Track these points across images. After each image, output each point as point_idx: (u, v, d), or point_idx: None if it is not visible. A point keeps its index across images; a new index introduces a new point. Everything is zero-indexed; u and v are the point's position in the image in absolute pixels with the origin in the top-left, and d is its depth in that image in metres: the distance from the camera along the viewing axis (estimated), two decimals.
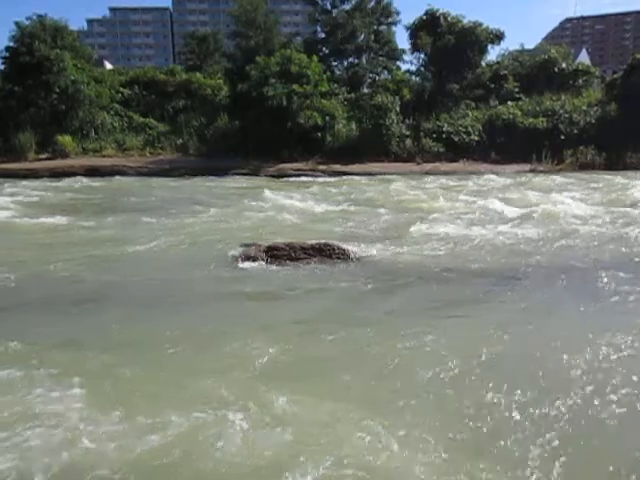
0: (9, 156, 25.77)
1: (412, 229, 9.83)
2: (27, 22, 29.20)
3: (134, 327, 5.39)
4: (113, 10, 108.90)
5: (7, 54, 28.62)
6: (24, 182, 18.99)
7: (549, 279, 6.95)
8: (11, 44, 28.61)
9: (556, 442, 3.35)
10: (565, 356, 4.50)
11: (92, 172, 23.27)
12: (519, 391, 3.93)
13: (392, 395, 3.95)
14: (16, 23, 28.86)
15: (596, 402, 3.83)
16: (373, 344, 4.87)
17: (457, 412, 3.70)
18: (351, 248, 8.16)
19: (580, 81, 33.10)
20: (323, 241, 8.34)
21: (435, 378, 4.19)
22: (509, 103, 29.79)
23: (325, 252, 7.97)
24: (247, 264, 7.60)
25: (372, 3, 34.64)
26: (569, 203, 13.13)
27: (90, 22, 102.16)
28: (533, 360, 4.49)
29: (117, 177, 22.36)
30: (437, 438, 3.38)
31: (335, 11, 34.94)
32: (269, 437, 3.37)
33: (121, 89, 32.76)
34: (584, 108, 28.64)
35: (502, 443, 3.36)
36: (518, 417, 3.63)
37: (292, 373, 4.33)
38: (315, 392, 3.95)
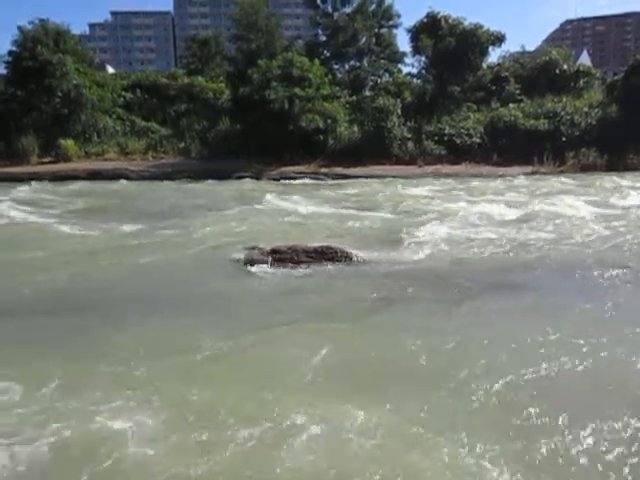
0: (12, 160, 25.86)
1: (414, 231, 9.84)
2: (30, 26, 29.35)
3: (153, 334, 5.35)
4: (115, 14, 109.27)
5: (10, 58, 28.76)
6: (27, 186, 19.02)
7: (555, 282, 6.98)
8: (14, 48, 28.76)
9: None
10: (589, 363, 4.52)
11: (95, 176, 23.35)
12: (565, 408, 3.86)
13: (437, 406, 3.88)
14: (19, 27, 29.05)
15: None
16: (388, 349, 4.86)
17: (518, 428, 3.62)
18: (354, 251, 8.18)
19: (581, 82, 33.09)
20: (325, 244, 8.37)
21: (468, 389, 4.09)
22: (510, 105, 29.80)
23: (328, 255, 7.99)
24: (250, 267, 7.63)
25: (373, 6, 34.74)
26: (571, 205, 13.18)
27: (92, 26, 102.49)
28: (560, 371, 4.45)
29: (120, 181, 22.41)
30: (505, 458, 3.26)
31: (336, 14, 35.03)
32: (337, 450, 3.35)
33: (123, 93, 32.84)
34: (585, 110, 28.65)
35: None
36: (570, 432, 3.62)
37: (326, 382, 4.27)
38: (358, 401, 3.87)
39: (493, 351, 4.73)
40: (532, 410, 3.73)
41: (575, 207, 12.83)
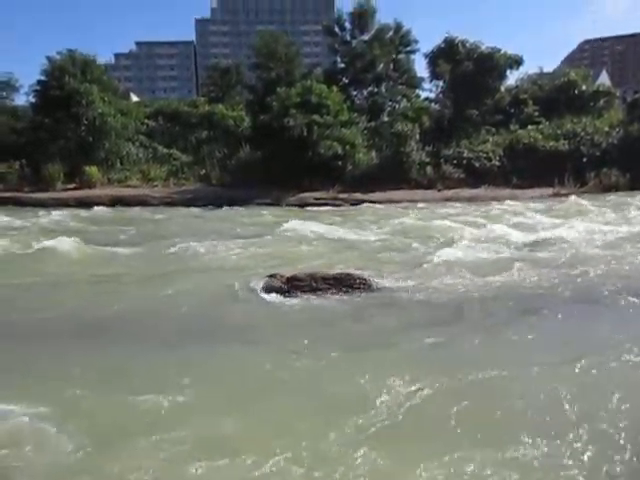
0: (38, 185, 26.54)
1: (434, 257, 9.80)
2: (58, 57, 30.35)
3: (176, 362, 5.38)
4: (139, 44, 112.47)
5: (39, 87, 29.73)
6: (53, 212, 19.46)
7: (579, 308, 6.88)
8: (42, 78, 29.74)
9: None
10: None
11: (117, 202, 23.76)
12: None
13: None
14: (47, 58, 30.07)
15: None
16: (416, 380, 4.74)
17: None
18: (373, 278, 8.17)
19: (601, 102, 32.90)
20: (344, 271, 8.39)
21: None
22: (529, 127, 29.68)
23: (346, 282, 7.99)
24: (269, 295, 7.67)
25: (391, 33, 35.12)
26: (593, 227, 13.01)
27: (117, 56, 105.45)
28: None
29: (141, 207, 22.78)
30: None
31: (354, 42, 35.52)
32: None
33: (146, 121, 33.64)
34: (606, 129, 28.42)
35: None
36: None
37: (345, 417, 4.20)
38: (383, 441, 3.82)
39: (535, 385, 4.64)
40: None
41: (598, 229, 12.66)
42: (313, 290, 7.80)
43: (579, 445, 3.67)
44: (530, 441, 3.73)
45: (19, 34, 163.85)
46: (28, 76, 37.32)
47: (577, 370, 4.87)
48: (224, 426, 4.02)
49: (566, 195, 23.40)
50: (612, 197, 21.68)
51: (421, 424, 4.06)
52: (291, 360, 5.31)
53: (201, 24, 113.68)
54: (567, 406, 4.22)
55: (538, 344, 5.73)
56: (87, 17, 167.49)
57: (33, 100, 30.65)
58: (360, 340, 6.00)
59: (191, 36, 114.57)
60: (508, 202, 20.89)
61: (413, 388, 4.57)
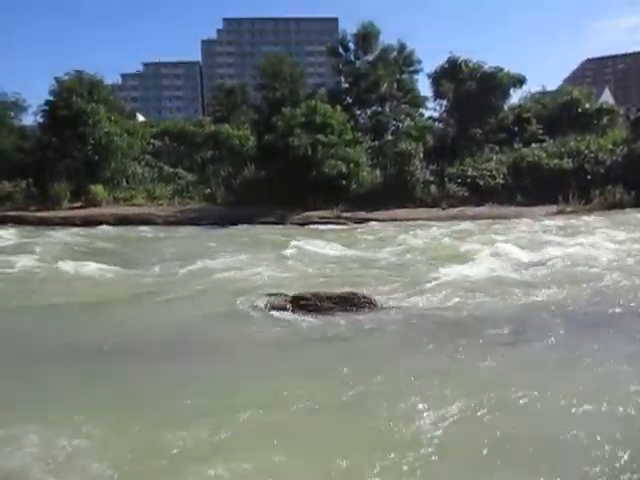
0: (44, 204, 26.71)
1: (439, 275, 9.76)
2: (66, 77, 30.76)
3: (170, 383, 5.36)
4: (146, 65, 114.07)
5: (46, 107, 30.09)
6: (58, 230, 19.58)
7: (585, 328, 6.80)
8: (50, 98, 30.13)
9: None
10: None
11: (122, 221, 23.84)
12: None
13: None
14: (56, 78, 30.48)
15: None
16: (422, 401, 4.68)
17: None
18: (377, 297, 8.14)
19: (604, 120, 32.99)
20: (349, 290, 8.36)
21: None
22: (533, 145, 29.76)
23: (351, 302, 7.96)
24: (274, 314, 7.64)
25: (394, 53, 35.50)
26: (600, 244, 12.96)
27: (124, 76, 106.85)
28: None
29: (146, 226, 22.86)
30: None
31: (358, 62, 35.89)
32: None
33: (152, 140, 33.92)
34: (610, 147, 28.45)
35: None
36: None
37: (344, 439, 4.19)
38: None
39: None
40: None
41: (605, 247, 12.60)
42: (318, 309, 7.77)
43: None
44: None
45: (27, 54, 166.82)
46: (36, 96, 37.95)
47: (592, 391, 4.81)
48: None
49: (571, 213, 23.38)
50: (617, 215, 21.61)
51: (446, 449, 3.95)
52: (300, 381, 5.25)
53: (207, 45, 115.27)
54: (597, 428, 4.13)
55: (555, 364, 5.64)
56: (95, 38, 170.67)
57: (41, 120, 31.06)
58: (371, 360, 5.93)
59: (197, 57, 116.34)
60: (513, 220, 20.87)
61: (429, 411, 4.49)
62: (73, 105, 28.77)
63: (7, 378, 5.41)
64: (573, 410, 4.44)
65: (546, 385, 4.95)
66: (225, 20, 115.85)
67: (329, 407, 4.65)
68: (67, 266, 11.61)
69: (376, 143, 31.78)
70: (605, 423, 4.24)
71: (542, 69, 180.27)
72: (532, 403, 4.63)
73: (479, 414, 4.42)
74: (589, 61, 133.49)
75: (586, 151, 28.00)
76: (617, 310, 7.48)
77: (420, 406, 4.56)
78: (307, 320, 7.43)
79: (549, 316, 7.32)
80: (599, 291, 8.53)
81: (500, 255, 11.88)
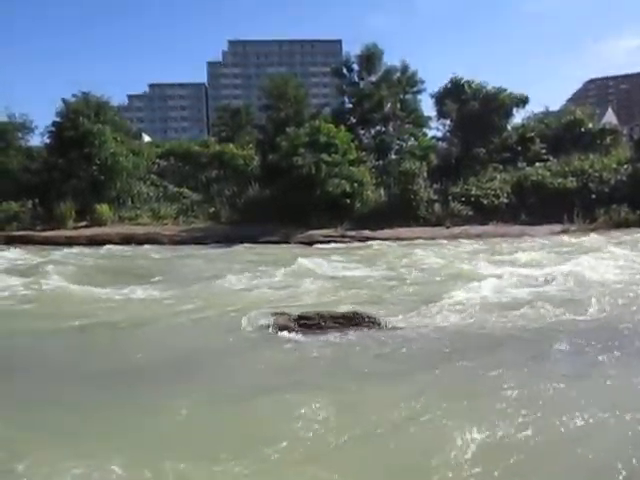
0: (50, 224, 26.87)
1: (444, 294, 9.71)
2: (73, 99, 31.19)
3: (188, 403, 5.26)
4: (152, 86, 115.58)
5: (53, 128, 30.45)
6: (64, 250, 19.63)
7: (591, 348, 6.72)
8: (57, 119, 30.49)
9: None
10: None
11: (127, 240, 23.92)
12: None
13: None
14: (63, 100, 30.94)
15: None
16: (426, 424, 4.63)
17: None
18: (382, 316, 8.11)
19: (608, 140, 33.10)
20: (353, 309, 8.33)
21: None
22: (537, 164, 29.85)
23: (355, 321, 7.92)
24: (278, 334, 7.60)
25: (398, 74, 35.84)
26: (606, 263, 12.90)
27: (130, 98, 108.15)
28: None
29: (151, 245, 22.92)
30: None
31: (362, 83, 36.25)
32: None
33: (157, 160, 34.22)
34: (614, 166, 28.50)
35: None
36: None
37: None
38: None
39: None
40: None
41: (611, 266, 12.54)
42: (321, 328, 7.73)
43: None
44: None
45: (35, 76, 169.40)
46: (44, 117, 38.42)
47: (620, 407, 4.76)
48: None
49: (576, 232, 23.32)
50: (622, 234, 21.53)
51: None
52: (310, 402, 5.16)
53: (213, 67, 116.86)
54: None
55: (572, 383, 5.53)
56: (102, 61, 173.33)
57: (47, 141, 31.42)
58: (378, 381, 5.84)
59: (203, 78, 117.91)
60: (518, 239, 20.83)
61: (441, 434, 4.43)
62: (79, 126, 29.12)
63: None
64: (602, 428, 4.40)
65: (565, 404, 4.89)
66: (230, 42, 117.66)
67: (339, 430, 4.58)
68: (72, 287, 11.63)
69: (380, 162, 31.95)
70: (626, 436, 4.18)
71: (545, 90, 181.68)
72: (554, 423, 4.57)
73: (504, 436, 4.34)
74: (592, 81, 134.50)
75: (590, 170, 28.06)
76: (627, 330, 7.39)
77: (434, 429, 4.51)
78: (311, 340, 7.38)
79: (557, 334, 7.25)
80: (609, 309, 8.46)
81: (504, 274, 11.81)
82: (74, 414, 5.06)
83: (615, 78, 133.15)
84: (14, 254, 18.23)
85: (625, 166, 28.39)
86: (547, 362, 6.28)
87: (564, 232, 23.62)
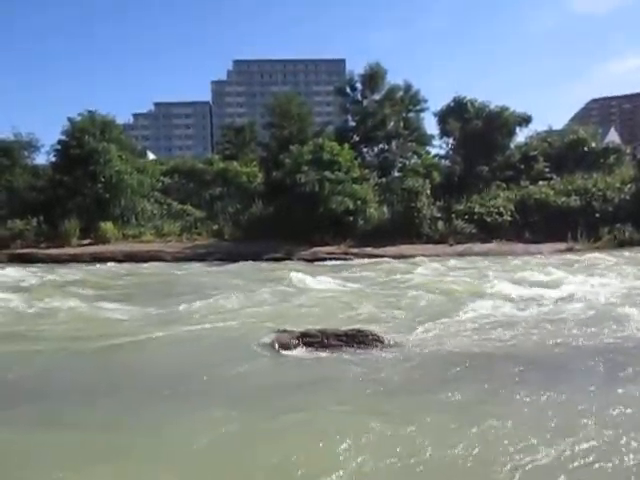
0: (54, 241, 26.96)
1: (447, 313, 9.64)
2: (79, 118, 31.49)
3: (176, 423, 5.23)
4: (157, 105, 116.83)
5: (59, 147, 30.71)
6: (66, 268, 19.64)
7: (599, 367, 6.63)
8: (63, 138, 30.77)
9: None
10: None
11: (131, 258, 23.95)
12: None
13: None
14: (69, 119, 31.26)
15: None
16: (432, 446, 4.51)
17: None
18: (385, 334, 8.02)
19: (611, 159, 33.17)
20: (357, 327, 8.26)
21: None
22: (540, 183, 29.88)
23: (359, 338, 7.84)
24: (280, 352, 7.53)
25: (401, 93, 36.18)
26: (611, 282, 12.81)
27: (136, 116, 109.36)
28: None
29: (154, 262, 22.91)
30: None
31: (365, 101, 36.59)
32: None
33: (162, 178, 34.44)
34: (618, 186, 28.49)
35: None
36: None
37: None
38: None
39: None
40: None
41: (616, 285, 12.45)
42: (325, 346, 7.66)
43: None
44: None
45: (41, 94, 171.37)
46: (50, 135, 38.84)
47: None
48: None
49: (580, 250, 23.23)
50: (627, 253, 21.43)
51: None
52: (318, 422, 5.09)
53: (217, 85, 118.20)
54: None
55: (579, 407, 5.38)
56: (108, 79, 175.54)
57: (53, 159, 31.65)
58: (383, 401, 5.74)
59: (207, 97, 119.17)
60: (522, 257, 20.75)
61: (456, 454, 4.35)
62: (85, 144, 29.37)
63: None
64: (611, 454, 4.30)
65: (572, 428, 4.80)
66: (235, 62, 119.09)
67: (344, 451, 4.51)
68: (70, 304, 11.58)
69: (383, 180, 32.05)
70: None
71: (547, 109, 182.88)
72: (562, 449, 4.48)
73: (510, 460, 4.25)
74: (594, 101, 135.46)
75: (593, 189, 28.06)
76: (634, 350, 7.30)
77: (444, 451, 4.42)
78: (314, 357, 7.32)
79: (562, 353, 7.17)
80: (615, 328, 8.36)
81: (509, 292, 11.74)
82: (96, 434, 5.01)
83: (618, 98, 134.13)
84: (17, 272, 18.21)
85: (629, 185, 28.40)
86: (564, 384, 6.13)
87: (568, 250, 23.55)
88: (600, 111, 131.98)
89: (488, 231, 26.65)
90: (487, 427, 4.76)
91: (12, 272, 18.43)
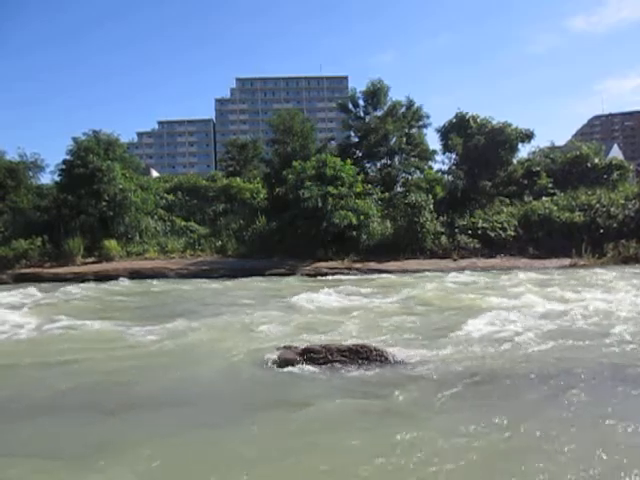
0: (58, 260, 26.99)
1: (451, 328, 9.57)
2: (83, 137, 31.75)
3: (180, 442, 5.19)
4: (161, 123, 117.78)
5: (64, 166, 30.89)
6: (72, 286, 19.61)
7: (605, 385, 6.54)
8: (68, 157, 30.96)
9: None
10: None
11: (135, 275, 23.96)
12: None
13: None
14: (73, 138, 31.46)
15: None
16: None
17: None
18: (389, 350, 7.95)
19: (615, 175, 33.15)
20: (360, 343, 8.20)
21: None
22: (544, 198, 29.86)
23: (362, 354, 7.78)
24: (284, 368, 7.47)
25: (403, 109, 36.43)
26: (616, 298, 12.70)
27: (140, 135, 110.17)
28: None
29: (158, 279, 22.89)
30: None
31: (368, 117, 36.84)
32: None
33: (165, 195, 34.58)
34: (622, 202, 28.44)
35: None
36: None
37: None
38: None
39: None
40: None
41: (621, 300, 12.34)
42: (328, 362, 7.60)
43: None
44: None
45: (46, 113, 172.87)
46: (54, 153, 39.08)
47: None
48: None
49: (584, 266, 23.12)
50: (632, 269, 21.31)
51: None
52: (317, 441, 5.03)
53: (220, 103, 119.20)
54: None
55: (588, 423, 5.36)
56: (112, 98, 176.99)
57: (58, 178, 31.79)
58: (388, 419, 5.66)
59: (211, 114, 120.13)
60: (525, 272, 20.64)
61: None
62: (89, 163, 29.50)
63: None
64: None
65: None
66: (238, 80, 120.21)
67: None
68: (73, 323, 11.55)
69: (386, 195, 32.10)
70: None
71: (549, 126, 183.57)
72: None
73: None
74: (597, 118, 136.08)
75: (597, 205, 28.00)
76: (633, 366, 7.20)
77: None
78: (318, 374, 7.26)
79: (568, 370, 7.08)
80: (622, 344, 8.27)
81: (513, 307, 11.67)
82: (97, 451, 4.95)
83: (620, 115, 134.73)
84: (22, 292, 18.17)
85: (633, 201, 28.33)
86: (572, 403, 6.04)
87: (572, 266, 23.44)
88: (603, 128, 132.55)
89: (492, 246, 26.60)
90: (491, 451, 4.67)
91: (16, 292, 18.35)
